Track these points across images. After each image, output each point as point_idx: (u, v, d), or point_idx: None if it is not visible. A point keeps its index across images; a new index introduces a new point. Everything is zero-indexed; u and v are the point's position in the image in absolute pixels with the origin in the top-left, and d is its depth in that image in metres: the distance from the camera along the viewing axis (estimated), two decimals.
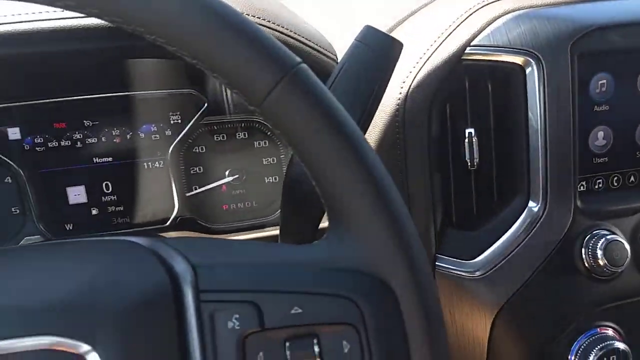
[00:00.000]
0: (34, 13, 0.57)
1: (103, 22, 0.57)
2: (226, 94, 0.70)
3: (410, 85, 0.55)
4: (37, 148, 0.67)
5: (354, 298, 0.30)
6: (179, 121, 0.70)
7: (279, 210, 0.74)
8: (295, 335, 0.30)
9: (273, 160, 0.74)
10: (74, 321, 0.28)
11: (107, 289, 0.30)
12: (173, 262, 0.32)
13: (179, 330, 0.29)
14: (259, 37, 0.30)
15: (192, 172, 0.72)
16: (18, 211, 0.68)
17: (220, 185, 0.73)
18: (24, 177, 0.66)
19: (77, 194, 0.70)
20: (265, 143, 0.73)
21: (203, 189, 0.73)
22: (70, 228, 0.70)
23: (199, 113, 0.69)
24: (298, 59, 0.30)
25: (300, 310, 0.30)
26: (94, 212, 0.70)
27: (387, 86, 0.45)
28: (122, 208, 0.71)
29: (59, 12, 0.58)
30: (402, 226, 0.30)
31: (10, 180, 0.67)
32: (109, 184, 0.70)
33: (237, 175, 0.73)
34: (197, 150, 0.72)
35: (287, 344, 0.29)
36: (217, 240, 0.35)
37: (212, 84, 0.69)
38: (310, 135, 0.30)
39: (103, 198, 0.70)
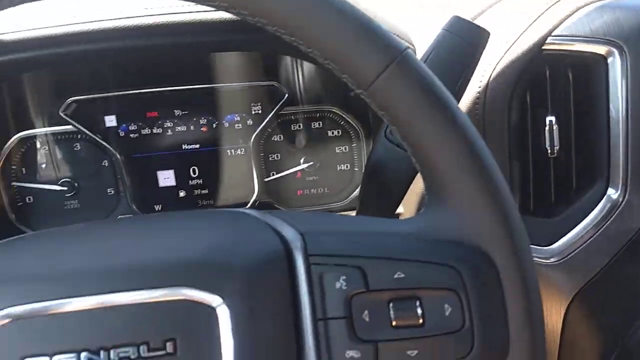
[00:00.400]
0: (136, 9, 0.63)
1: (196, 17, 0.62)
2: (304, 87, 0.74)
3: (491, 74, 0.57)
4: (131, 135, 0.74)
5: (456, 266, 0.33)
6: (260, 112, 0.75)
7: (350, 196, 0.78)
8: (398, 297, 0.33)
9: (345, 149, 0.77)
10: (206, 276, 0.32)
11: (232, 250, 0.34)
12: (282, 230, 0.36)
13: (291, 289, 0.33)
14: (369, 24, 0.33)
15: (270, 159, 0.77)
16: (113, 192, 0.75)
17: (296, 172, 0.77)
18: (120, 161, 0.73)
19: (166, 178, 0.76)
20: (338, 132, 0.77)
21: (280, 175, 0.77)
22: (160, 209, 0.76)
23: (279, 104, 0.73)
24: (405, 44, 0.33)
25: (403, 275, 0.33)
26: (182, 194, 0.76)
27: (473, 74, 0.47)
28: (207, 191, 0.76)
29: (155, 9, 0.63)
30: (504, 200, 0.33)
31: (107, 164, 0.74)
32: (196, 169, 0.76)
33: (311, 163, 0.77)
34: (276, 139, 0.76)
35: (391, 304, 0.33)
36: (320, 213, 0.39)
37: (292, 77, 0.73)
38: (417, 115, 0.32)
39: (190, 182, 0.76)
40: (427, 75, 0.33)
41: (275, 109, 0.73)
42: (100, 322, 0.30)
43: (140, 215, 0.74)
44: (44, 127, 0.71)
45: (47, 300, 0.30)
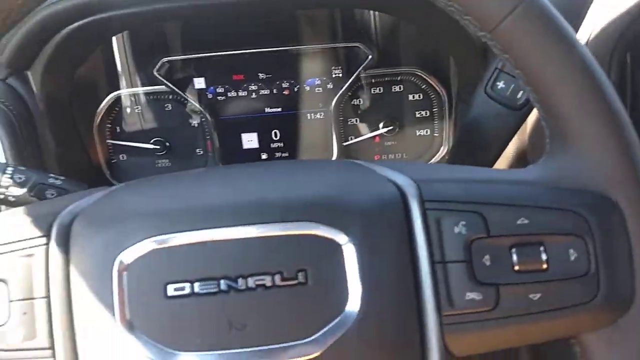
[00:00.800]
0: None
1: None
2: (388, 48, 0.73)
3: (590, 34, 0.55)
4: (218, 97, 0.76)
5: (582, 212, 0.33)
6: (340, 75, 0.76)
7: (429, 163, 0.78)
8: (520, 242, 0.33)
9: (425, 113, 0.77)
10: (334, 215, 0.33)
11: (354, 192, 0.35)
12: (395, 178, 0.37)
13: (408, 233, 0.34)
14: None
15: (349, 123, 0.78)
16: (201, 152, 0.78)
17: (374, 136, 0.78)
18: (210, 122, 0.75)
19: (250, 140, 0.78)
20: (419, 97, 0.76)
21: (359, 139, 0.78)
22: None
23: (362, 65, 0.73)
24: None
25: (526, 222, 0.33)
26: (264, 156, 0.78)
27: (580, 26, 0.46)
28: (287, 154, 0.78)
29: None
30: (633, 148, 0.32)
31: (196, 125, 0.77)
32: (277, 132, 0.78)
33: (390, 127, 0.77)
34: (355, 103, 0.77)
35: (513, 249, 0.33)
36: (430, 164, 0.39)
37: (375, 38, 0.73)
38: (545, 59, 0.32)
39: (272, 144, 0.78)
40: (556, 18, 0.32)
41: (358, 71, 0.73)
42: (237, 253, 0.33)
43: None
44: (138, 86, 0.74)
45: (189, 231, 0.33)
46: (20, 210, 0.37)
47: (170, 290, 0.32)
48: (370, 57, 0.72)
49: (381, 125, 0.77)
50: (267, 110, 0.77)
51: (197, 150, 0.78)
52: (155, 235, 0.32)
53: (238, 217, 0.33)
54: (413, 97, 0.76)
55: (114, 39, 0.70)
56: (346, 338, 0.32)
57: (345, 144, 0.78)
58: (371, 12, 0.71)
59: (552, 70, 0.32)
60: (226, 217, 0.33)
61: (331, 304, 0.32)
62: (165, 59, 0.72)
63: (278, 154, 0.78)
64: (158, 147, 0.76)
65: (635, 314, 0.33)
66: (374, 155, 0.79)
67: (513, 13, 0.32)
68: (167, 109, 0.76)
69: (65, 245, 0.34)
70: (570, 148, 0.34)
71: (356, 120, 0.78)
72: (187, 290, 0.32)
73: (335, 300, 0.32)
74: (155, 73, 0.72)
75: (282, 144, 0.78)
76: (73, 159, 0.70)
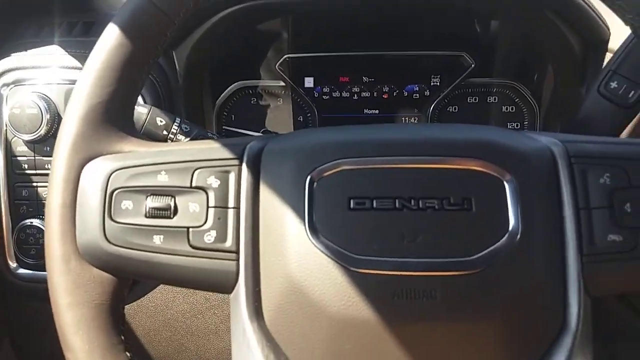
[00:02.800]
0: None
1: None
2: (490, 59, 0.80)
3: None
4: (324, 96, 0.84)
5: None
6: (438, 83, 0.82)
7: None
8: None
9: (517, 125, 0.82)
10: (498, 154, 0.38)
11: (511, 139, 0.40)
12: (541, 139, 0.42)
13: (556, 183, 0.39)
14: None
15: None
16: None
17: None
18: (316, 118, 0.83)
19: None
20: (512, 109, 0.82)
21: None
22: None
23: (465, 74, 0.79)
24: None
25: None
26: None
27: None
28: None
29: None
30: None
31: (301, 119, 0.84)
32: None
33: None
34: (450, 110, 0.83)
35: None
36: (575, 135, 0.44)
37: (482, 47, 0.79)
38: None
39: None
40: None
41: (460, 79, 0.80)
42: (411, 178, 0.38)
43: None
44: (259, 79, 0.82)
45: (372, 156, 0.39)
46: (211, 141, 0.44)
47: (353, 203, 0.37)
48: (473, 65, 0.79)
49: None
50: (366, 111, 0.84)
51: None
52: (345, 158, 0.38)
53: (415, 150, 0.39)
54: (506, 108, 0.82)
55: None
56: (502, 262, 0.36)
57: None
58: (476, 20, 0.77)
59: None
60: (405, 149, 0.39)
61: (491, 231, 0.37)
62: (288, 55, 0.80)
63: None
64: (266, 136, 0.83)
65: None
66: None
67: None
68: (278, 102, 0.84)
69: (255, 166, 0.40)
70: None
71: None
72: (367, 205, 0.37)
73: (495, 228, 0.37)
74: (277, 68, 0.80)
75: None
76: None
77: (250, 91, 0.83)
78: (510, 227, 0.37)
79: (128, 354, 0.39)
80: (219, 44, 0.74)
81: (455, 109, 0.83)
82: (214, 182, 0.40)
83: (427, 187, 0.38)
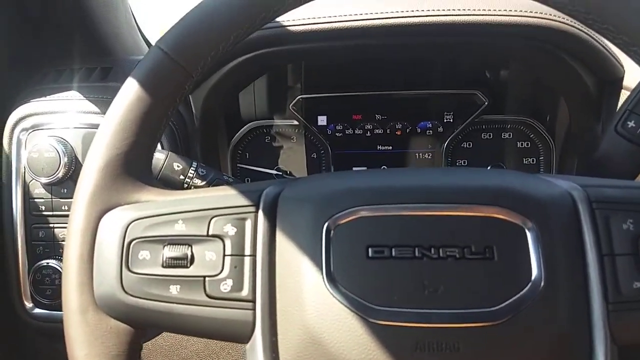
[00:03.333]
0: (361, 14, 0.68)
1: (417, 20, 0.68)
2: (503, 96, 0.80)
3: None
4: (337, 134, 0.84)
5: None
6: (451, 120, 0.82)
7: None
8: None
9: (532, 160, 0.82)
10: (518, 202, 0.38)
11: (531, 186, 0.40)
12: (561, 184, 0.41)
13: (577, 229, 0.38)
14: None
15: (457, 164, 0.83)
16: None
17: None
18: (329, 155, 0.83)
19: None
20: (527, 144, 0.81)
21: None
22: None
23: (478, 111, 0.79)
24: None
25: None
26: None
27: None
28: None
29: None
30: None
31: (315, 156, 0.85)
32: (386, 168, 0.84)
33: None
34: (465, 146, 0.83)
35: None
36: (594, 178, 0.43)
37: (494, 86, 0.80)
38: None
39: None
40: None
41: (473, 116, 0.80)
42: (432, 227, 0.37)
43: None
44: (273, 119, 0.83)
45: (390, 204, 0.38)
46: (227, 187, 0.44)
47: (372, 252, 0.37)
48: (486, 103, 0.79)
49: (489, 168, 0.82)
50: (379, 147, 0.84)
51: None
52: (362, 205, 0.38)
53: (435, 197, 0.38)
54: (521, 144, 0.81)
55: None
56: (526, 312, 0.35)
57: None
58: (489, 59, 0.78)
59: None
60: (423, 196, 0.38)
61: (514, 280, 0.36)
62: (301, 96, 0.81)
63: None
64: (280, 173, 0.84)
65: None
66: None
67: None
68: (292, 141, 0.84)
69: (271, 213, 0.40)
70: None
71: (464, 162, 0.83)
72: (386, 254, 0.37)
73: (518, 277, 0.36)
74: (290, 108, 0.81)
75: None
76: None
77: (265, 130, 0.84)
78: (534, 276, 0.36)
79: None
80: (238, 86, 0.75)
81: (469, 144, 0.82)
82: (230, 229, 0.40)
83: (447, 236, 0.37)
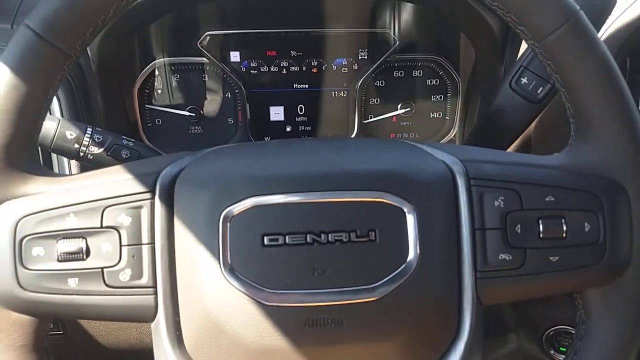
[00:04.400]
0: None
1: None
2: (413, 35, 0.80)
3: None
4: (251, 71, 0.81)
5: (598, 193, 0.41)
6: (366, 57, 0.82)
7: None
8: (547, 215, 0.41)
9: (440, 97, 0.84)
10: (400, 186, 0.41)
11: (413, 167, 0.42)
12: (444, 158, 0.44)
13: (455, 205, 0.42)
14: None
15: (370, 102, 0.84)
16: (232, 121, 0.84)
17: (392, 116, 0.85)
18: (243, 93, 0.81)
19: (277, 113, 0.84)
20: (436, 82, 0.83)
21: (378, 118, 0.85)
22: (269, 140, 0.85)
23: (390, 51, 0.79)
24: (577, 7, 0.40)
25: (553, 199, 0.41)
26: (288, 129, 0.85)
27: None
28: (309, 128, 0.85)
29: None
30: None
31: (229, 95, 0.82)
32: (302, 107, 0.84)
33: (408, 109, 0.84)
34: (378, 84, 0.84)
35: (540, 221, 0.41)
36: (473, 146, 0.47)
37: (403, 25, 0.79)
38: (581, 68, 0.39)
39: (297, 118, 0.84)
40: (593, 34, 0.40)
41: (385, 55, 0.80)
42: (320, 213, 0.40)
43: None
44: (180, 56, 0.79)
45: (283, 193, 0.40)
46: (121, 168, 0.43)
47: (267, 240, 0.39)
48: (397, 43, 0.79)
49: (399, 106, 0.84)
50: (295, 85, 0.83)
51: (229, 120, 0.84)
52: (256, 196, 0.39)
53: (324, 184, 0.40)
54: (431, 81, 0.83)
55: None
56: (400, 288, 0.39)
57: (365, 121, 0.85)
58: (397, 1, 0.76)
59: (585, 79, 0.40)
60: (313, 183, 0.40)
61: (391, 260, 0.40)
62: (208, 33, 0.76)
63: (302, 127, 0.85)
64: (193, 114, 0.81)
65: (629, 276, 0.42)
66: (389, 133, 0.86)
67: (560, 28, 0.39)
68: (204, 79, 0.81)
69: (168, 200, 0.40)
70: (591, 142, 0.42)
71: (377, 101, 0.84)
72: (280, 241, 0.39)
73: (395, 257, 0.40)
74: (198, 45, 0.77)
75: (305, 118, 0.84)
76: (116, 122, 0.75)
77: (173, 67, 0.80)
78: (410, 256, 0.40)
79: None
80: (135, 28, 0.69)
81: (382, 83, 0.83)
82: (125, 220, 0.40)
83: (336, 221, 0.40)
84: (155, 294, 0.40)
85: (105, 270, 0.39)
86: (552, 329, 0.79)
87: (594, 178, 0.42)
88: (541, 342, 0.82)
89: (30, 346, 0.40)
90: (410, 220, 0.40)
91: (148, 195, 0.40)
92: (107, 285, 0.39)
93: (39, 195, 0.40)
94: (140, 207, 0.40)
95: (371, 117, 0.85)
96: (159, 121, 0.82)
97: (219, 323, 0.39)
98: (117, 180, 0.41)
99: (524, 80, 0.59)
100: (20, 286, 0.38)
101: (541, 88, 0.58)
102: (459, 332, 0.42)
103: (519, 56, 0.66)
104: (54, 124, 0.51)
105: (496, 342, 0.91)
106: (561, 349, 0.82)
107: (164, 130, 0.83)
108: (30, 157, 0.41)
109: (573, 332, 0.79)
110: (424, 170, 0.42)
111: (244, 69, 0.81)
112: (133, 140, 0.55)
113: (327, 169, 0.42)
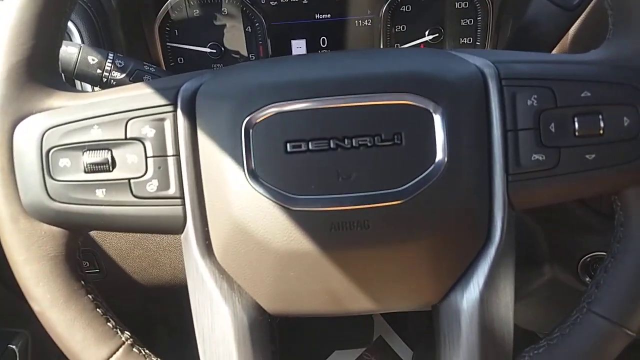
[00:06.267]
0: None
1: None
2: None
3: None
4: (271, 2, 0.79)
5: (637, 85, 0.38)
6: None
7: None
8: (582, 112, 0.39)
9: (470, 21, 0.80)
10: (426, 86, 0.39)
11: (442, 68, 0.41)
12: (474, 61, 0.42)
13: (486, 105, 0.40)
14: None
15: (396, 30, 0.81)
16: (254, 57, 0.82)
17: (420, 44, 0.82)
18: (264, 27, 0.79)
19: (299, 47, 0.82)
20: (465, 5, 0.79)
21: (405, 46, 0.82)
22: None
23: None
24: None
25: (589, 94, 0.39)
26: None
27: None
28: None
29: None
30: None
31: (250, 30, 0.81)
32: (325, 39, 0.81)
33: (436, 35, 0.80)
34: (404, 10, 0.80)
35: (576, 118, 0.39)
36: (504, 50, 0.44)
37: None
38: None
39: (319, 51, 0.82)
40: None
41: None
42: (344, 117, 0.39)
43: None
44: None
45: (305, 99, 0.39)
46: (142, 84, 0.42)
47: (290, 147, 0.38)
48: None
49: (427, 32, 0.81)
50: (317, 16, 0.80)
51: (250, 56, 0.82)
52: (278, 102, 0.38)
53: (347, 88, 0.39)
54: (460, 4, 0.79)
55: None
56: (428, 190, 0.38)
57: None
58: None
59: None
60: (337, 87, 0.39)
61: (419, 162, 0.39)
62: None
63: None
64: (214, 51, 0.80)
65: None
66: None
67: None
68: (224, 13, 0.79)
69: (190, 111, 0.40)
70: (630, 33, 0.39)
71: (403, 28, 0.81)
72: (303, 148, 0.38)
73: (423, 159, 0.39)
74: None
75: (328, 51, 0.82)
76: (139, 59, 0.75)
77: (193, 2, 0.78)
78: (438, 158, 0.39)
79: (90, 297, 0.42)
80: None
81: (408, 8, 0.80)
82: (149, 131, 0.40)
83: (360, 126, 0.39)
84: (183, 204, 0.40)
85: (132, 181, 0.40)
86: (588, 255, 0.77)
87: (634, 70, 0.39)
88: (576, 271, 0.81)
89: (63, 257, 0.41)
90: (438, 121, 0.39)
91: (170, 108, 0.40)
92: (134, 195, 0.40)
93: (63, 108, 0.40)
94: (163, 119, 0.40)
95: (397, 46, 0.82)
96: (181, 60, 0.82)
97: (246, 229, 0.39)
98: (139, 94, 0.41)
99: None
100: (50, 197, 0.39)
101: None
102: (490, 238, 0.41)
103: None
104: (76, 50, 0.51)
105: (529, 274, 0.90)
106: None
107: (186, 69, 0.82)
108: (53, 71, 0.41)
109: None
110: (453, 71, 0.41)
111: (264, 1, 0.79)
112: (155, 66, 0.55)
113: (349, 73, 0.40)
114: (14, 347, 0.80)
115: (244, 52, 0.82)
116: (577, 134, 0.39)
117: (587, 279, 0.80)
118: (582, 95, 0.39)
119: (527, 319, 0.99)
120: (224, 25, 0.80)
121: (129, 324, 0.44)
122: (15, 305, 0.81)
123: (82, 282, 0.42)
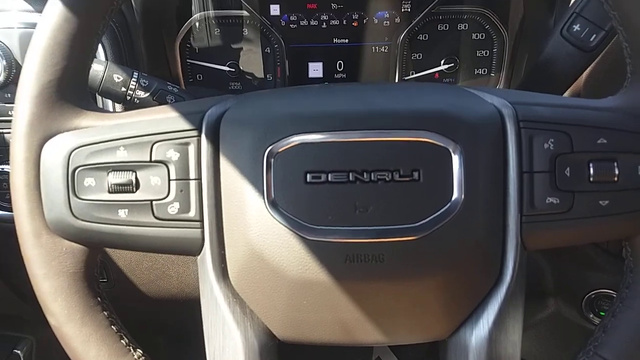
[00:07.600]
0: None
1: None
2: None
3: None
4: (291, 25, 0.81)
5: None
6: (409, 9, 0.80)
7: None
8: (598, 158, 0.40)
9: (486, 53, 0.81)
10: (445, 125, 0.40)
11: (460, 108, 0.41)
12: (493, 101, 0.43)
13: (503, 146, 0.41)
14: None
15: (412, 57, 0.82)
16: (271, 77, 0.84)
17: (434, 72, 0.83)
18: (283, 49, 0.81)
19: (315, 70, 0.83)
20: (482, 36, 0.81)
21: (420, 74, 0.83)
22: None
23: (434, 2, 0.77)
24: None
25: (605, 141, 0.40)
26: None
27: None
28: None
29: None
30: None
31: (269, 51, 0.82)
32: (342, 63, 0.83)
33: (451, 64, 0.82)
34: (421, 38, 0.81)
35: (591, 164, 0.40)
36: (525, 91, 0.45)
37: None
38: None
39: (335, 75, 0.83)
40: None
41: (429, 7, 0.77)
42: (364, 151, 0.39)
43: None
44: (221, 9, 0.79)
45: (327, 131, 0.40)
46: (168, 107, 0.44)
47: (310, 177, 0.39)
48: None
49: (442, 61, 0.82)
50: (335, 40, 0.82)
51: (268, 76, 0.83)
52: (300, 133, 0.39)
53: (368, 123, 0.40)
54: (476, 36, 0.80)
55: None
56: (443, 228, 0.39)
57: (406, 78, 0.83)
58: None
59: None
60: (359, 121, 0.40)
61: (435, 200, 0.39)
62: None
63: None
64: (232, 69, 0.82)
65: None
66: None
67: None
68: (243, 33, 0.81)
69: (214, 137, 0.41)
70: None
71: (419, 56, 0.82)
72: (323, 179, 0.39)
73: (439, 197, 0.39)
74: None
75: (344, 75, 0.83)
76: (159, 75, 0.76)
77: (214, 21, 0.80)
78: (454, 196, 0.39)
79: (105, 313, 0.42)
80: None
81: (425, 37, 0.81)
82: (173, 155, 0.41)
83: (379, 160, 0.39)
84: (202, 227, 0.41)
85: (154, 202, 0.40)
86: (593, 292, 0.78)
87: None
88: (580, 307, 0.81)
89: (81, 274, 0.42)
90: (456, 160, 0.39)
91: (195, 133, 0.41)
92: (155, 217, 0.41)
93: (90, 129, 0.41)
94: (187, 143, 0.41)
95: (413, 73, 0.83)
96: (199, 77, 0.83)
97: (263, 256, 0.40)
98: (165, 117, 0.42)
99: (576, 27, 0.56)
100: (73, 215, 0.40)
101: (594, 35, 0.55)
102: (501, 277, 0.41)
103: (570, 3, 0.63)
104: (102, 67, 0.52)
105: (534, 306, 0.90)
106: (601, 313, 0.80)
107: (205, 85, 0.83)
108: (82, 92, 0.42)
109: (614, 295, 0.77)
110: (472, 111, 0.41)
111: (283, 23, 0.80)
112: (177, 87, 0.56)
113: (371, 108, 0.41)
114: (18, 351, 0.81)
115: (261, 72, 0.83)
116: (591, 179, 0.40)
117: (591, 315, 0.80)
118: (599, 142, 0.40)
119: (528, 351, 0.98)
120: (243, 46, 0.82)
121: (133, 333, 0.45)
122: (21, 310, 0.82)
123: (99, 299, 0.42)
